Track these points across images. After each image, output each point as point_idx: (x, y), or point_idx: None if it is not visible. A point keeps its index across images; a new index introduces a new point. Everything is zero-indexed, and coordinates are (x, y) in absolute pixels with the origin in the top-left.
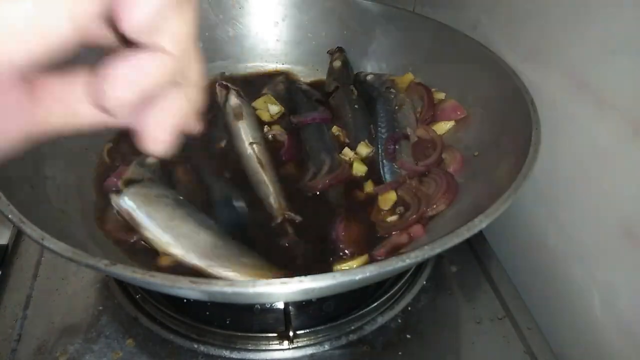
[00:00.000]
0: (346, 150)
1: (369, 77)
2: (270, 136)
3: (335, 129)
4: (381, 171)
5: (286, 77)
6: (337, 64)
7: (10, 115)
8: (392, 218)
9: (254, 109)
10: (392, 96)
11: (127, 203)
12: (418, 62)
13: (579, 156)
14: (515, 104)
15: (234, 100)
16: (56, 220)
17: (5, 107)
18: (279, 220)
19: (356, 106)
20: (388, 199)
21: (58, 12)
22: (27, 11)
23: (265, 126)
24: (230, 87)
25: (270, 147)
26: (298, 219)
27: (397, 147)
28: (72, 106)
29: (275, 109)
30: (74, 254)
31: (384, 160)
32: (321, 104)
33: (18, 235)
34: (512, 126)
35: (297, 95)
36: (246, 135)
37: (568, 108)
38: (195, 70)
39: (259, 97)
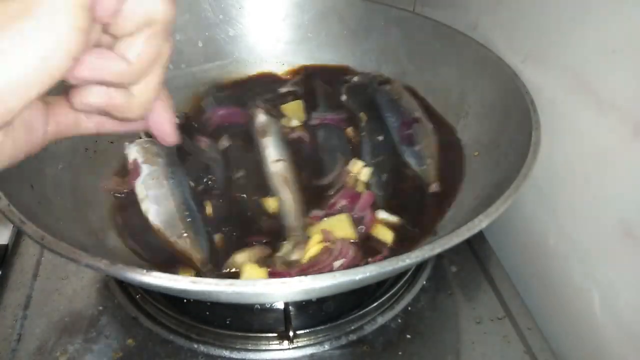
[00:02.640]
0: (356, 163)
1: (356, 79)
2: (293, 137)
3: (349, 130)
4: (403, 157)
5: (305, 74)
6: (344, 98)
7: (34, 128)
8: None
9: (282, 117)
10: (388, 87)
11: (131, 149)
12: (418, 62)
13: (579, 156)
14: (515, 104)
15: (260, 117)
16: (56, 220)
17: (30, 124)
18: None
19: (363, 133)
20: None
21: (60, 57)
22: (32, 66)
23: (287, 128)
24: (258, 106)
25: (294, 146)
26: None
27: (411, 131)
28: (74, 117)
29: (295, 122)
30: (74, 254)
31: (403, 146)
32: (340, 106)
33: (18, 235)
34: (512, 126)
35: (318, 95)
36: (269, 153)
37: (568, 108)
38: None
39: (289, 101)
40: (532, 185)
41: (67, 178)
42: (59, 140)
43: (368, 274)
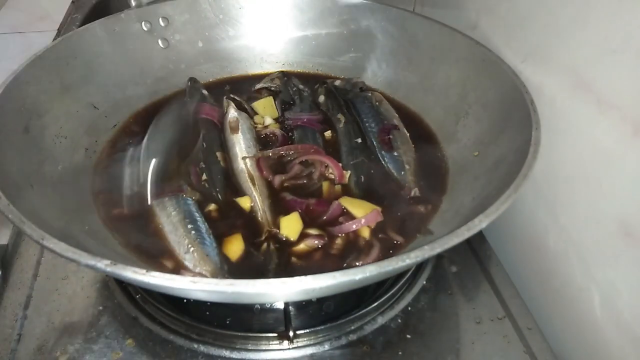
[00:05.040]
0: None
1: (337, 83)
2: (265, 134)
3: (327, 134)
4: (382, 162)
5: (283, 73)
6: (322, 98)
7: None
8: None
9: (255, 114)
10: (370, 94)
11: None
12: (418, 62)
13: (579, 156)
14: (515, 104)
15: (232, 113)
16: (56, 220)
17: None
18: (263, 236)
19: (341, 136)
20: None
21: None
22: None
23: (259, 125)
24: (232, 100)
25: (265, 143)
26: (283, 237)
27: (391, 136)
28: None
29: (269, 120)
30: (74, 254)
31: (382, 152)
32: (316, 107)
33: (18, 235)
34: (512, 126)
35: (294, 94)
36: (240, 150)
37: (568, 108)
38: None
39: (261, 98)
40: (532, 185)
41: (67, 178)
42: (58, 141)
43: (368, 274)
